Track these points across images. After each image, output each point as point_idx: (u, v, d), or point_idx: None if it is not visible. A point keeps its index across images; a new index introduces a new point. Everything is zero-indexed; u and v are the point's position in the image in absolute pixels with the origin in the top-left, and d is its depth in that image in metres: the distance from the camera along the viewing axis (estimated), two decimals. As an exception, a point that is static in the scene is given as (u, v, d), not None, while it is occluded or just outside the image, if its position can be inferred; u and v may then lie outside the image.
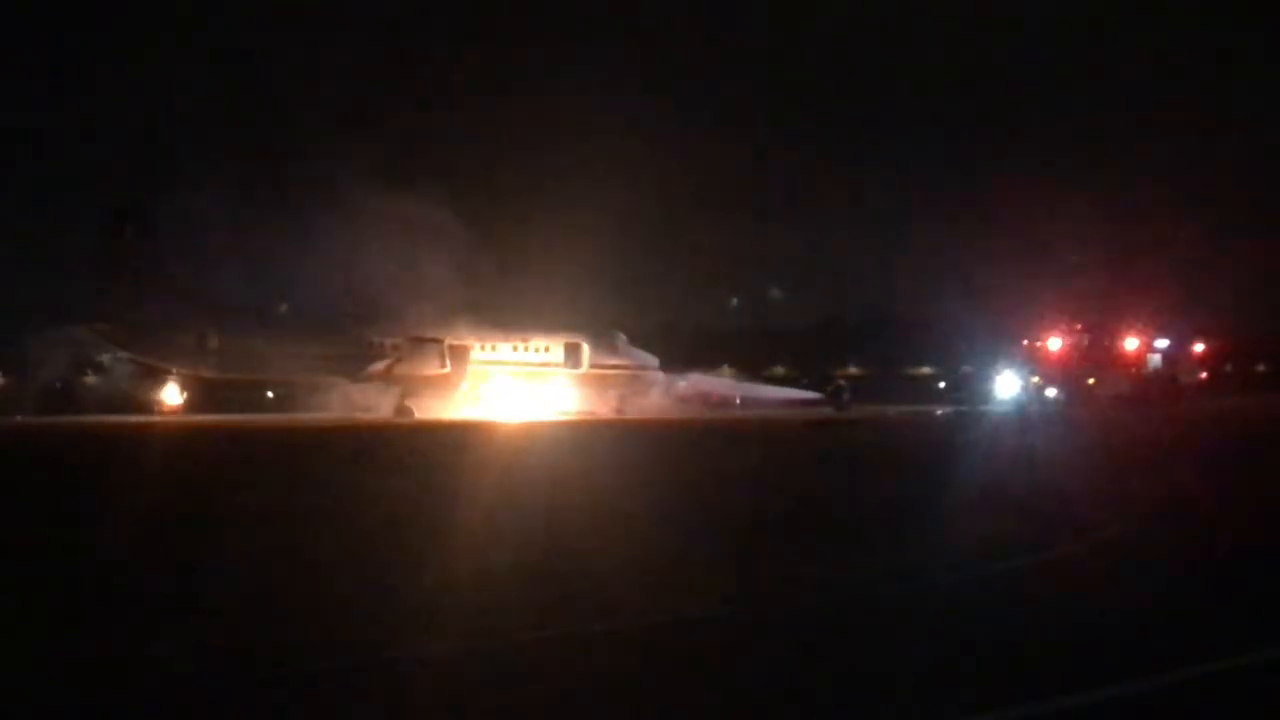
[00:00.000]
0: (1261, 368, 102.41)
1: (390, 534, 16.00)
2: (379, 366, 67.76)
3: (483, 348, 69.80)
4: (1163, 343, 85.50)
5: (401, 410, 65.28)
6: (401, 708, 7.93)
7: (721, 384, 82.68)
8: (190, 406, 68.12)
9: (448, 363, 67.27)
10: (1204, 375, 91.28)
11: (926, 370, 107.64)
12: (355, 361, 67.94)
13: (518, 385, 70.46)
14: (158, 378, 68.54)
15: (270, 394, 70.85)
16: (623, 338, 72.70)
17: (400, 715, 7.81)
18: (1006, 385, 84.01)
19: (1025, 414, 65.10)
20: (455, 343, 68.22)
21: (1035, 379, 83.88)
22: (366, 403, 66.96)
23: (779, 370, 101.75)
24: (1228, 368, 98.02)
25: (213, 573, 12.75)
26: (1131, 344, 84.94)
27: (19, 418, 57.09)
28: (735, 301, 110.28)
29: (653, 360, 73.07)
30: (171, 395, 68.91)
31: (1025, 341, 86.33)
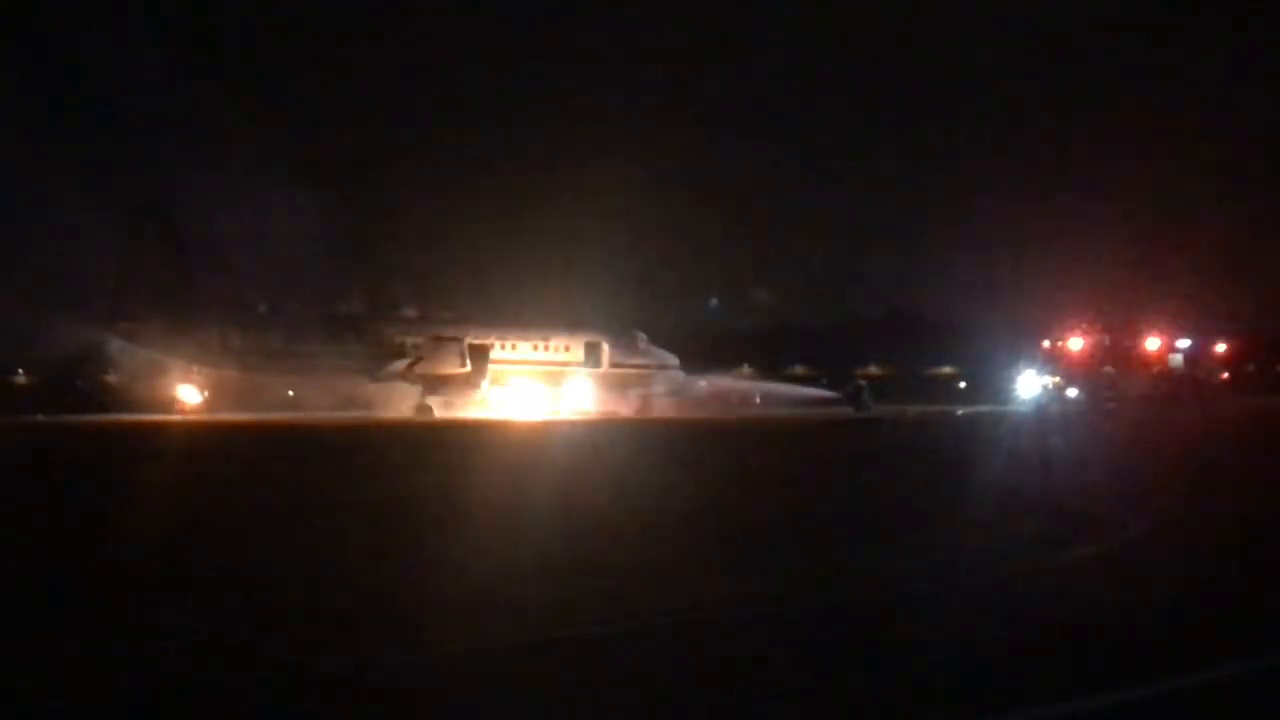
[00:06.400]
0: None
1: (408, 533, 16.04)
2: (399, 365, 67.87)
3: (503, 347, 69.87)
4: (1184, 342, 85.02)
5: (421, 409, 65.36)
6: (418, 707, 7.94)
7: (741, 385, 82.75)
8: (211, 405, 68.30)
9: (468, 362, 67.32)
10: (1226, 375, 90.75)
11: (947, 370, 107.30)
12: (376, 360, 68.10)
13: (538, 384, 70.52)
14: (179, 376, 68.77)
15: (290, 393, 70.98)
16: (643, 337, 72.67)
17: (415, 715, 7.83)
18: (1028, 385, 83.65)
19: (1046, 414, 64.83)
20: (475, 342, 68.29)
21: (1056, 379, 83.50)
22: (387, 402, 67.03)
23: (798, 369, 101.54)
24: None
25: (229, 571, 12.82)
26: (1153, 344, 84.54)
27: (41, 417, 57.30)
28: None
29: (673, 360, 73.01)
30: (192, 394, 69.11)
31: (1047, 341, 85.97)
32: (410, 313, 74.49)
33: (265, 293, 72.34)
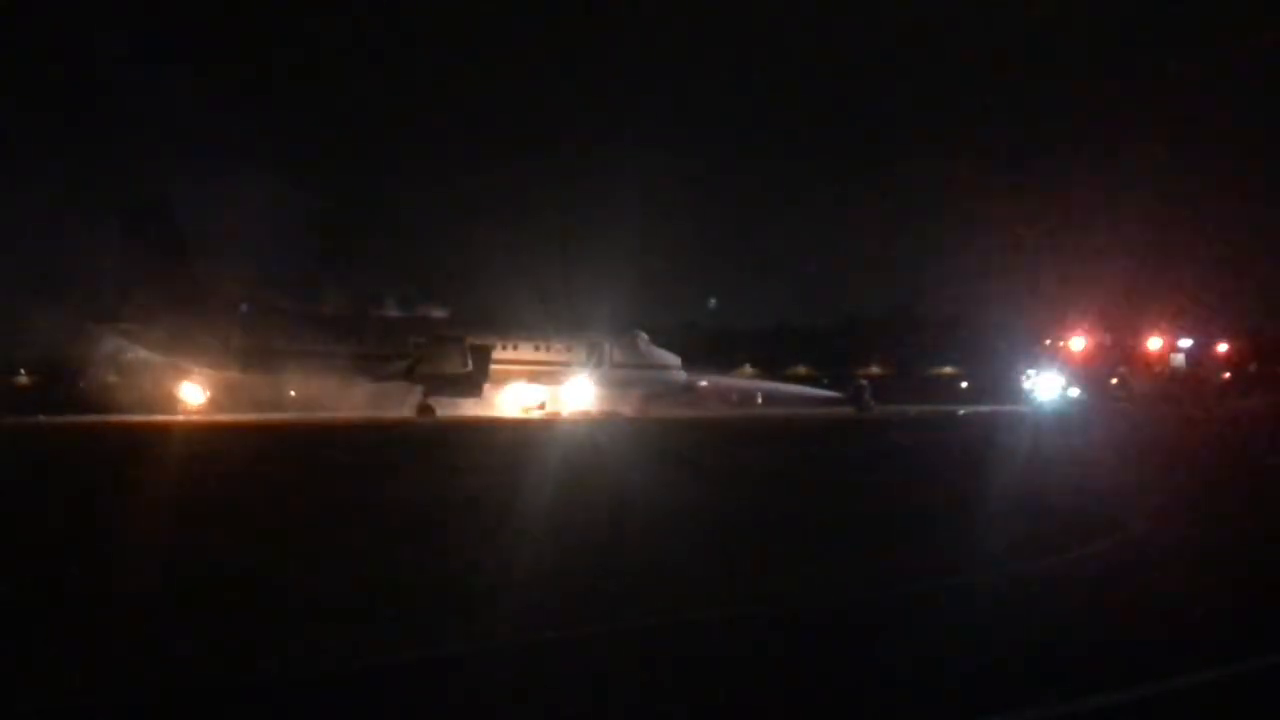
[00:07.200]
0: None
1: (409, 532, 16.03)
2: (402, 365, 67.84)
3: (505, 347, 69.84)
4: (1186, 342, 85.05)
5: (423, 409, 65.34)
6: (418, 707, 7.94)
7: (742, 384, 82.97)
8: (212, 405, 68.25)
9: (470, 362, 67.27)
10: (1227, 375, 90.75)
11: (948, 370, 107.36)
12: (378, 360, 68.04)
13: (540, 384, 70.54)
14: (181, 377, 68.72)
15: (292, 393, 70.94)
16: (644, 337, 72.68)
17: (416, 714, 7.82)
18: (1031, 385, 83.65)
19: (1050, 413, 64.81)
20: (478, 342, 68.24)
21: (1059, 379, 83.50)
22: (389, 401, 67.00)
23: (800, 369, 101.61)
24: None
25: (230, 571, 12.81)
26: (1155, 344, 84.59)
27: (42, 417, 57.29)
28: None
29: (674, 359, 73.04)
30: (194, 394, 69.04)
31: (1049, 341, 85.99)
32: (412, 313, 74.48)
33: (266, 293, 72.28)
